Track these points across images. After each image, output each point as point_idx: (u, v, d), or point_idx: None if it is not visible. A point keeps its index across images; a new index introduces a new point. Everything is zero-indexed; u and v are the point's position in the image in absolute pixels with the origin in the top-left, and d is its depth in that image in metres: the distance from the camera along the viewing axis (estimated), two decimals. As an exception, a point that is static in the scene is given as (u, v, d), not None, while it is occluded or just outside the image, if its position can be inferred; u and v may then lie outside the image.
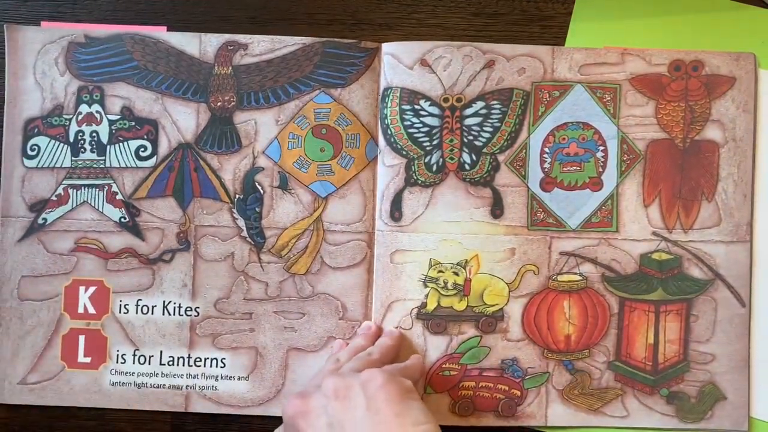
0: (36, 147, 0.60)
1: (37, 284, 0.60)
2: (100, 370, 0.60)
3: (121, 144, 0.60)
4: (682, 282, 0.59)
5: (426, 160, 0.59)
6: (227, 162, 0.60)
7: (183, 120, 0.60)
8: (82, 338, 0.59)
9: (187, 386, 0.59)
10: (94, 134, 0.60)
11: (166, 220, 0.60)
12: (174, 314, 0.60)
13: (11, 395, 0.59)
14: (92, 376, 0.59)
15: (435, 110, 0.59)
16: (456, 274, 0.59)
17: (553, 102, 0.60)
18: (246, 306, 0.60)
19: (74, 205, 0.60)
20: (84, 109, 0.60)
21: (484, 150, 0.60)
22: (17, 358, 0.59)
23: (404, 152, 0.59)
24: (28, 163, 0.60)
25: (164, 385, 0.60)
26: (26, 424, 0.60)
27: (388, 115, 0.60)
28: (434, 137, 0.59)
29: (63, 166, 0.60)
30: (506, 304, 0.60)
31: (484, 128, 0.60)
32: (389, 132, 0.60)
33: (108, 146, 0.60)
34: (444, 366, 0.59)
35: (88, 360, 0.60)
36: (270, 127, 0.60)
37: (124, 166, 0.60)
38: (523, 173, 0.60)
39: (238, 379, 0.60)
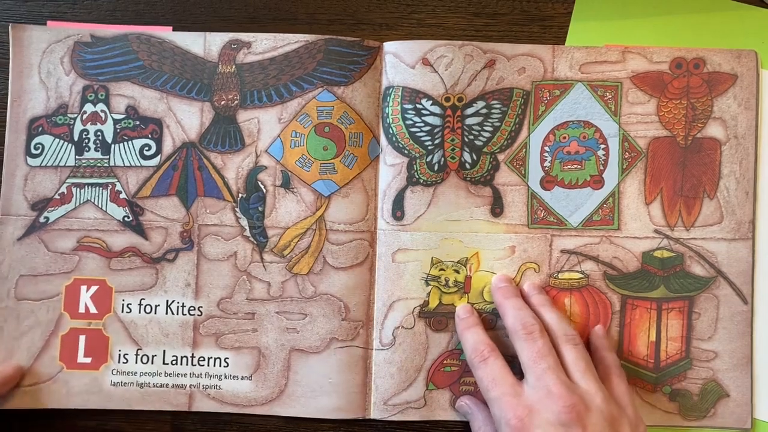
0: (40, 146, 0.60)
1: (36, 283, 0.59)
2: (100, 371, 0.59)
3: (125, 143, 0.60)
4: (684, 279, 0.59)
5: (428, 160, 0.60)
6: (230, 161, 0.60)
7: (187, 119, 0.60)
8: (82, 338, 0.59)
9: (190, 385, 0.59)
10: (99, 133, 0.60)
11: (170, 219, 0.60)
12: (177, 314, 0.60)
13: (6, 398, 0.58)
14: (92, 377, 0.59)
15: (436, 109, 0.59)
16: (457, 271, 0.59)
17: (553, 101, 0.60)
18: (248, 306, 0.60)
19: (77, 203, 0.60)
20: (89, 108, 0.60)
21: (484, 149, 0.60)
22: (11, 360, 0.59)
23: (406, 151, 0.60)
24: (31, 161, 0.60)
25: (167, 384, 0.59)
26: (26, 424, 0.60)
27: (390, 114, 0.60)
28: (436, 136, 0.60)
29: (67, 164, 0.60)
30: (508, 303, 0.59)
31: (485, 128, 0.60)
32: (391, 131, 0.60)
33: (112, 145, 0.60)
34: (445, 362, 0.59)
35: (88, 360, 0.59)
36: (273, 126, 0.60)
37: (128, 165, 0.60)
38: (523, 172, 0.60)
39: (242, 378, 0.59)
